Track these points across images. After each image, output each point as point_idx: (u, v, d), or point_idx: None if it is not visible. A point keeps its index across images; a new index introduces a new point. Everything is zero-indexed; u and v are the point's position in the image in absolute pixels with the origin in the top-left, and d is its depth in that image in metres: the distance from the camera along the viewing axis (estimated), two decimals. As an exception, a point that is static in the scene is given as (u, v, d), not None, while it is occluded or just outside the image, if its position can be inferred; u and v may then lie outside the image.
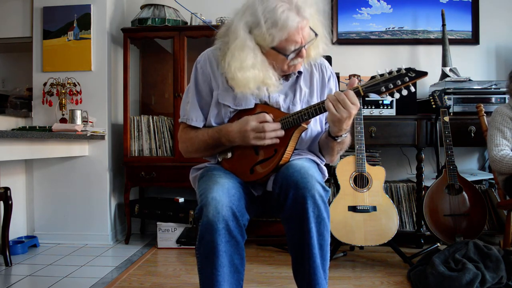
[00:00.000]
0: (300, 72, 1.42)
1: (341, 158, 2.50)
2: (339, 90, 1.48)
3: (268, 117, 1.28)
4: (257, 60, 1.30)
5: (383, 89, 1.17)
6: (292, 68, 1.36)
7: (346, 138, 1.35)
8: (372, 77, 1.20)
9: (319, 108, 1.23)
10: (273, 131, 1.26)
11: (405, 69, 1.16)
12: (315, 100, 1.43)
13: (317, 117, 1.39)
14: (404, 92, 1.16)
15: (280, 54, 1.29)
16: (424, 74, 1.14)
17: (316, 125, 1.42)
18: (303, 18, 1.25)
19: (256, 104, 1.37)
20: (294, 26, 1.23)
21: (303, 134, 1.35)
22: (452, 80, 2.73)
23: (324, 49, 1.41)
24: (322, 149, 1.45)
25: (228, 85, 1.38)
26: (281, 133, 1.28)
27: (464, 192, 2.35)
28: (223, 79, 1.39)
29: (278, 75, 1.36)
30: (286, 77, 1.42)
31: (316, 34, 1.32)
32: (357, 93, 1.19)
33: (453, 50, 2.99)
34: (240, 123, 1.29)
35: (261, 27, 1.25)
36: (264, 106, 1.37)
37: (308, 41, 1.30)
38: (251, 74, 1.29)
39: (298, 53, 1.30)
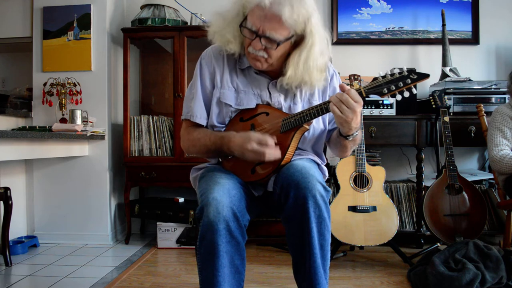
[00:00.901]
0: None
1: (341, 158, 2.50)
2: None
3: (270, 141, 1.25)
4: (233, 15, 1.31)
5: (385, 90, 1.17)
6: (251, 60, 1.32)
7: (357, 135, 1.33)
8: (374, 79, 1.20)
9: (321, 109, 1.23)
10: (272, 157, 1.25)
11: (407, 70, 1.15)
12: (316, 99, 1.43)
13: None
14: (406, 94, 1.17)
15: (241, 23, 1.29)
16: (426, 76, 1.14)
17: (318, 123, 1.41)
18: (272, 9, 1.19)
19: (257, 104, 1.38)
20: (256, 2, 1.21)
21: (305, 133, 1.34)
22: (452, 80, 2.73)
23: (312, 81, 1.33)
24: (334, 147, 1.45)
25: (231, 85, 1.38)
26: (278, 157, 1.26)
27: (464, 192, 2.35)
28: (226, 77, 1.39)
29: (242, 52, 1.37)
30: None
31: (278, 44, 1.24)
32: (359, 95, 1.19)
33: (453, 50, 3.00)
34: (242, 138, 1.27)
35: None
36: (265, 106, 1.37)
37: (267, 36, 1.23)
38: (218, 20, 1.33)
39: (253, 39, 1.25)
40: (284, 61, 1.34)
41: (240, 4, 1.29)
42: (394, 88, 1.16)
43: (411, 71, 1.15)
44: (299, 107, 1.39)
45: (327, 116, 1.44)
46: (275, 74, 1.39)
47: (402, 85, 1.15)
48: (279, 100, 1.38)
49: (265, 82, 1.39)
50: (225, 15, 1.33)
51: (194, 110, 1.41)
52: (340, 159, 2.45)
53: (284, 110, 1.37)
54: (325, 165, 1.46)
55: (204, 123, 1.42)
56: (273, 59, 1.30)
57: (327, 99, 1.43)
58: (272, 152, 1.25)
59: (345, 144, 1.36)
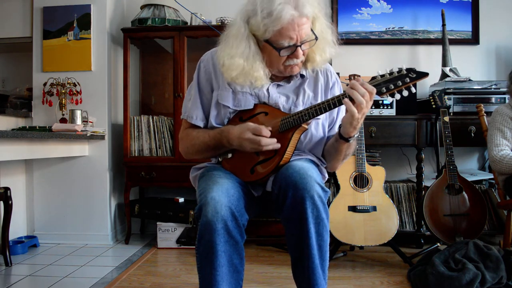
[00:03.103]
0: (303, 76, 1.41)
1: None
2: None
3: (265, 130, 1.26)
4: (250, 50, 1.29)
5: (384, 89, 1.16)
6: (289, 70, 1.34)
7: (355, 140, 1.33)
8: (373, 78, 1.20)
9: (319, 109, 1.23)
10: (269, 144, 1.26)
11: (406, 69, 1.15)
12: None
13: (319, 121, 1.38)
14: (405, 93, 1.16)
15: (273, 49, 1.27)
16: (425, 75, 1.14)
17: (317, 129, 1.40)
18: (301, 14, 1.21)
19: (255, 104, 1.38)
20: (287, 18, 1.20)
21: (302, 137, 1.34)
22: (452, 80, 2.73)
23: (332, 55, 1.37)
24: (328, 155, 1.42)
25: (228, 86, 1.38)
26: (277, 146, 1.27)
27: (464, 192, 2.34)
28: (224, 80, 1.39)
29: (270, 73, 1.35)
30: (288, 79, 1.41)
31: (316, 37, 1.28)
32: None
33: (453, 50, 2.99)
34: (240, 129, 1.29)
35: (257, 16, 1.24)
36: (264, 106, 1.37)
37: (305, 40, 1.27)
38: (237, 63, 1.29)
39: (294, 52, 1.27)
40: None
41: (246, 35, 1.29)
42: (392, 87, 1.15)
43: (410, 69, 1.15)
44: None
45: (326, 122, 1.43)
46: (279, 77, 1.41)
47: (401, 84, 1.14)
48: (277, 101, 1.37)
49: (266, 84, 1.38)
50: (245, 54, 1.30)
51: (190, 111, 1.44)
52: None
53: (283, 111, 1.36)
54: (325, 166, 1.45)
55: (201, 124, 1.44)
56: (304, 57, 1.33)
57: None
58: (268, 140, 1.25)
59: (342, 148, 1.34)
